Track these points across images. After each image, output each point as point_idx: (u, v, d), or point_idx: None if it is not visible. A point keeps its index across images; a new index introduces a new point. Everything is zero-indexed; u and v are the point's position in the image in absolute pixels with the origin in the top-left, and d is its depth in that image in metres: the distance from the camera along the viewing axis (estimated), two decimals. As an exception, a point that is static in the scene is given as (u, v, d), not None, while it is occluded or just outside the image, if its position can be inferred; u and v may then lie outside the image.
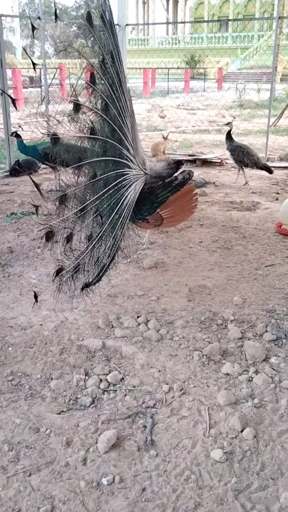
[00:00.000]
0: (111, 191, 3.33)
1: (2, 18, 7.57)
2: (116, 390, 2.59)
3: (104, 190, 3.29)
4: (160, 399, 2.51)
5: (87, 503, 1.92)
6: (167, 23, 58.45)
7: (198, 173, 7.97)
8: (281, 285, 3.82)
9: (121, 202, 3.38)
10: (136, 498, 1.94)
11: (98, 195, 3.26)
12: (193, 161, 8.70)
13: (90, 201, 3.22)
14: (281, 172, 8.12)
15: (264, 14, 40.84)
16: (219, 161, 8.61)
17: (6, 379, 2.68)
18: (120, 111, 3.36)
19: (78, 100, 3.23)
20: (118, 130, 3.35)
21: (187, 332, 3.15)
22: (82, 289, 3.23)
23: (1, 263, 4.24)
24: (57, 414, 2.42)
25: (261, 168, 7.08)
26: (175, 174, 3.80)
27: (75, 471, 2.07)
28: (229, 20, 45.62)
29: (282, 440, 2.23)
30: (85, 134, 3.26)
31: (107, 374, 2.71)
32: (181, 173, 3.77)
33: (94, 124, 3.30)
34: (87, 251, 3.21)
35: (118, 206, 3.36)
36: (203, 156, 8.75)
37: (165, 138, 9.15)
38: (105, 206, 3.31)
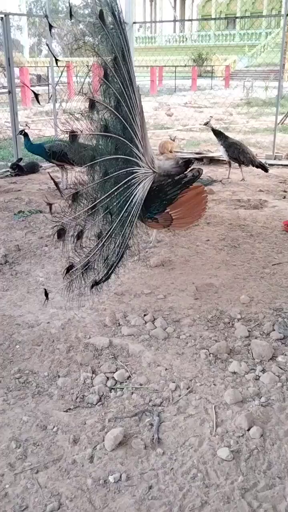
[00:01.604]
0: (120, 189, 3.34)
1: (10, 16, 7.59)
2: (123, 388, 2.59)
3: (114, 188, 3.30)
4: (167, 397, 2.52)
5: (94, 500, 1.93)
6: (175, 21, 58.27)
7: (206, 171, 7.94)
8: (288, 283, 3.81)
9: (130, 200, 3.39)
10: (143, 496, 1.94)
11: (108, 193, 3.27)
12: (200, 159, 8.68)
13: (100, 199, 3.23)
14: (288, 170, 8.09)
15: (272, 11, 40.63)
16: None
17: (13, 376, 2.69)
18: (131, 109, 3.37)
19: (94, 98, 3.24)
20: (129, 128, 3.36)
21: (194, 331, 3.14)
22: (92, 287, 3.25)
23: (8, 261, 4.26)
24: (64, 411, 2.43)
25: (257, 166, 7.05)
26: (185, 172, 3.79)
27: (82, 468, 2.08)
28: (236, 17, 45.45)
29: (289, 439, 2.22)
30: (100, 131, 3.27)
31: (114, 372, 2.72)
32: (190, 170, 3.76)
33: (108, 122, 3.31)
34: (97, 249, 3.22)
35: (127, 204, 3.37)
36: (210, 154, 8.74)
37: (173, 140, 9.13)
38: (114, 204, 3.32)
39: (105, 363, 2.79)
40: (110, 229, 3.27)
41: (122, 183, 3.34)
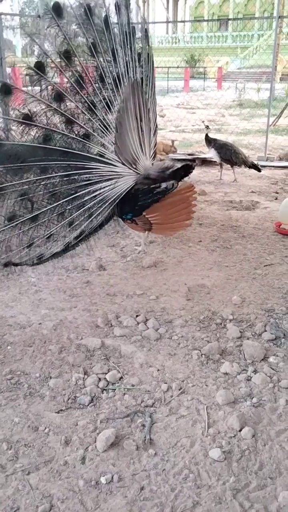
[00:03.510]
0: (54, 180, 3.34)
1: (2, 16, 7.56)
2: (115, 389, 2.59)
3: (40, 178, 3.29)
4: (159, 398, 2.52)
5: (86, 501, 1.92)
6: (167, 22, 58.35)
7: (198, 172, 7.97)
8: (280, 284, 3.82)
9: (76, 195, 3.40)
10: (135, 497, 1.94)
11: (27, 180, 3.25)
12: (192, 160, 8.69)
13: (11, 183, 3.22)
14: (280, 171, 8.13)
15: (264, 13, 40.76)
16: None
17: (5, 377, 2.68)
18: (93, 106, 3.43)
19: (13, 85, 3.28)
20: (81, 125, 3.41)
21: (186, 331, 3.15)
22: (6, 265, 3.28)
23: (0, 262, 4.23)
24: (56, 413, 2.42)
25: (250, 167, 7.09)
26: (163, 184, 3.71)
27: (74, 469, 2.08)
28: (229, 19, 45.53)
29: (281, 440, 2.23)
30: (16, 118, 3.25)
31: (106, 373, 2.71)
32: (166, 181, 3.69)
33: (33, 112, 3.30)
34: (3, 230, 3.22)
35: (71, 198, 3.39)
36: (203, 156, 8.75)
37: (171, 145, 9.11)
38: (40, 193, 3.31)
39: (97, 364, 2.79)
40: (33, 216, 3.28)
41: (58, 174, 3.35)
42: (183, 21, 56.18)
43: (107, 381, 2.66)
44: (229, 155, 6.96)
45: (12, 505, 1.91)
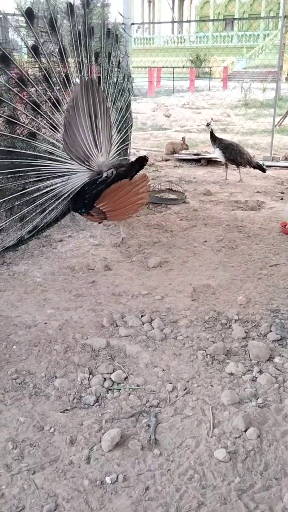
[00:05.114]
0: None
1: (9, 17, 7.58)
2: (120, 389, 2.59)
3: None
4: (164, 398, 2.52)
5: (91, 501, 1.93)
6: (173, 22, 58.35)
7: (203, 172, 7.97)
8: (285, 284, 3.81)
9: (25, 191, 3.51)
10: (140, 497, 1.94)
11: None
12: (198, 161, 8.69)
13: None
14: (286, 171, 8.11)
15: (270, 13, 40.71)
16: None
17: (10, 377, 2.69)
18: (37, 106, 3.52)
19: None
20: (23, 125, 3.51)
21: (191, 332, 3.14)
22: None
23: (6, 262, 4.25)
24: (61, 412, 2.42)
25: (254, 167, 7.07)
26: (106, 172, 3.80)
27: (79, 469, 2.08)
28: (234, 19, 45.50)
29: (286, 440, 2.23)
30: None
31: (111, 373, 2.71)
32: (107, 171, 3.81)
33: None
34: None
35: (19, 194, 3.50)
36: (208, 156, 8.74)
37: (183, 142, 9.12)
38: None
39: (102, 364, 2.79)
40: None
41: (1, 172, 3.43)
42: (189, 21, 56.18)
43: (112, 381, 2.66)
44: (234, 155, 6.94)
45: (17, 504, 1.92)
